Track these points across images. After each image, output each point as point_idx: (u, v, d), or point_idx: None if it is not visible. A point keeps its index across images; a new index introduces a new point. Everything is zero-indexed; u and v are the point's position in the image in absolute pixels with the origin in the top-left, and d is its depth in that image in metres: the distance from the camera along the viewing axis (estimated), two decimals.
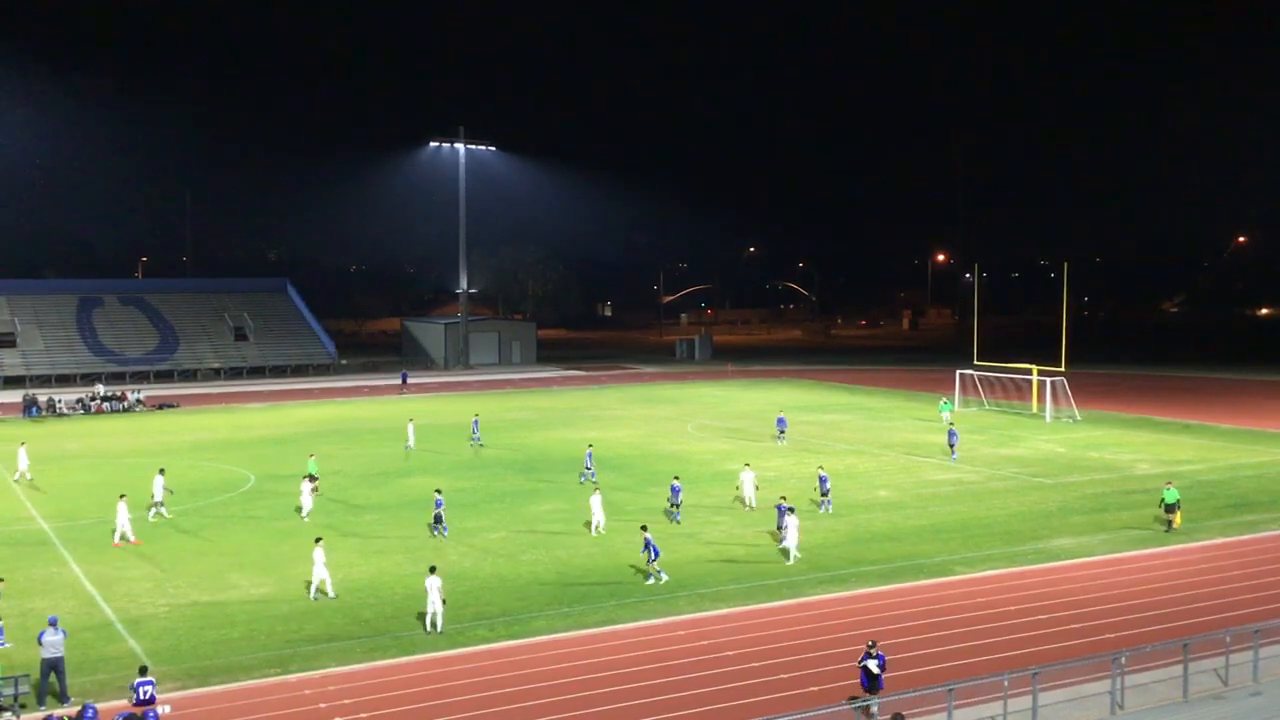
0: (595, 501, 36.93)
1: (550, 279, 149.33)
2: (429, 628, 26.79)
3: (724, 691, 22.94)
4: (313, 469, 43.70)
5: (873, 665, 21.18)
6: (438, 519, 36.57)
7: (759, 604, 28.84)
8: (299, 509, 39.44)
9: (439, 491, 37.81)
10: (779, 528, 34.43)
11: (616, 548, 34.58)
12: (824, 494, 39.44)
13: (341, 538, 36.28)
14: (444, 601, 26.86)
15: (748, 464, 42.84)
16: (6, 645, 25.51)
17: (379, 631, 26.91)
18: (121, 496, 36.68)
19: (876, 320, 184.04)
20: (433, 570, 27.28)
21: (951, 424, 54.44)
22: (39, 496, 43.73)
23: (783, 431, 55.48)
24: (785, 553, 33.11)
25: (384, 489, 44.27)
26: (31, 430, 64.33)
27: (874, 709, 20.80)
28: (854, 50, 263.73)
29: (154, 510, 39.26)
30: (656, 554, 30.63)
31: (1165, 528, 36.53)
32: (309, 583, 29.91)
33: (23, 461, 47.48)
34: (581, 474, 45.79)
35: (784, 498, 35.81)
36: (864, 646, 22.06)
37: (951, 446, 50.18)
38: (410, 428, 55.31)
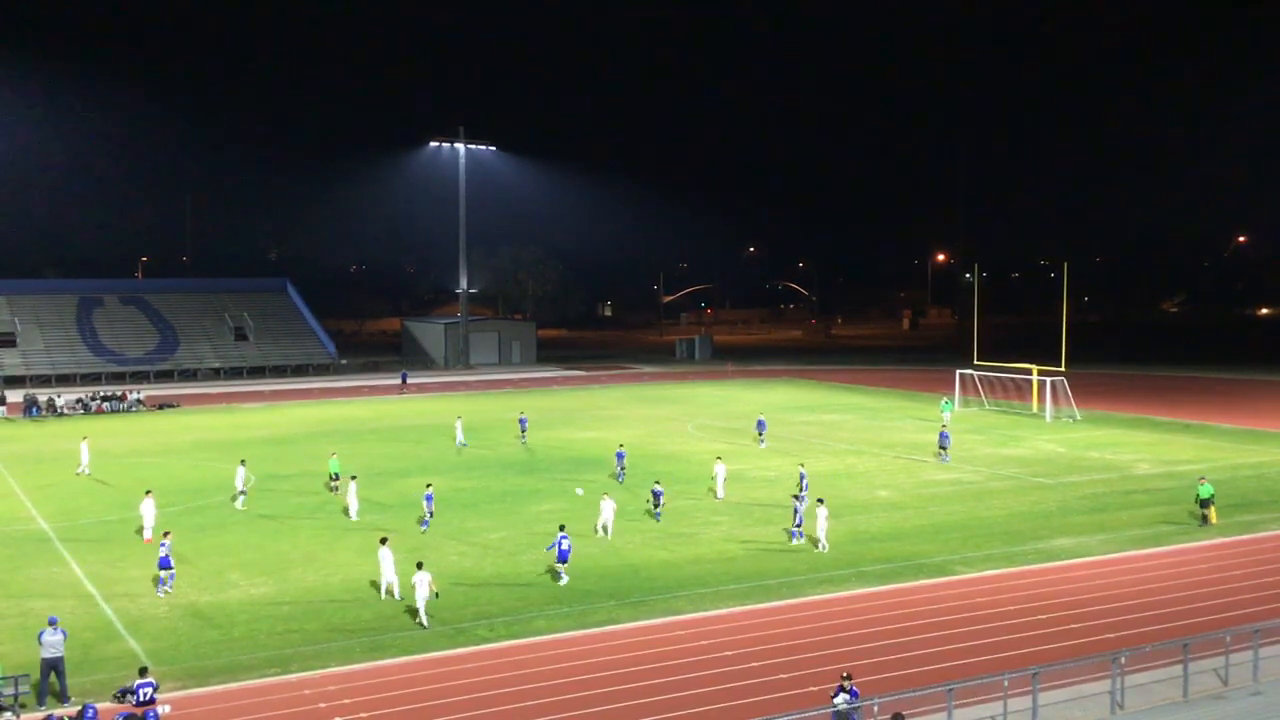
0: (606, 504, 36.86)
1: (550, 279, 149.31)
2: (424, 624, 27.08)
3: (724, 691, 22.94)
4: (335, 468, 44.00)
5: (841, 701, 19.75)
6: (429, 511, 37.46)
7: (758, 604, 28.84)
8: (345, 510, 39.31)
9: (430, 486, 38.68)
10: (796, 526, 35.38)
11: (617, 547, 34.62)
12: (802, 490, 39.83)
13: (342, 537, 36.32)
14: (436, 595, 27.25)
15: (719, 457, 44.13)
16: None
17: (379, 631, 26.91)
18: (147, 493, 36.98)
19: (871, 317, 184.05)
20: (420, 566, 27.67)
21: (944, 425, 54.21)
22: (42, 496, 43.73)
23: (762, 434, 55.31)
24: (815, 542, 34.06)
25: (384, 489, 44.24)
26: (32, 430, 64.40)
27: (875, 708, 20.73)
28: (854, 50, 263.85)
29: (239, 498, 41.19)
30: (563, 555, 30.84)
31: (1200, 523, 36.88)
32: (375, 583, 29.90)
33: (84, 457, 48.70)
34: (617, 474, 45.55)
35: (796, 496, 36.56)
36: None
37: (943, 448, 50.18)
38: (459, 425, 55.99)
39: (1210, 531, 36.35)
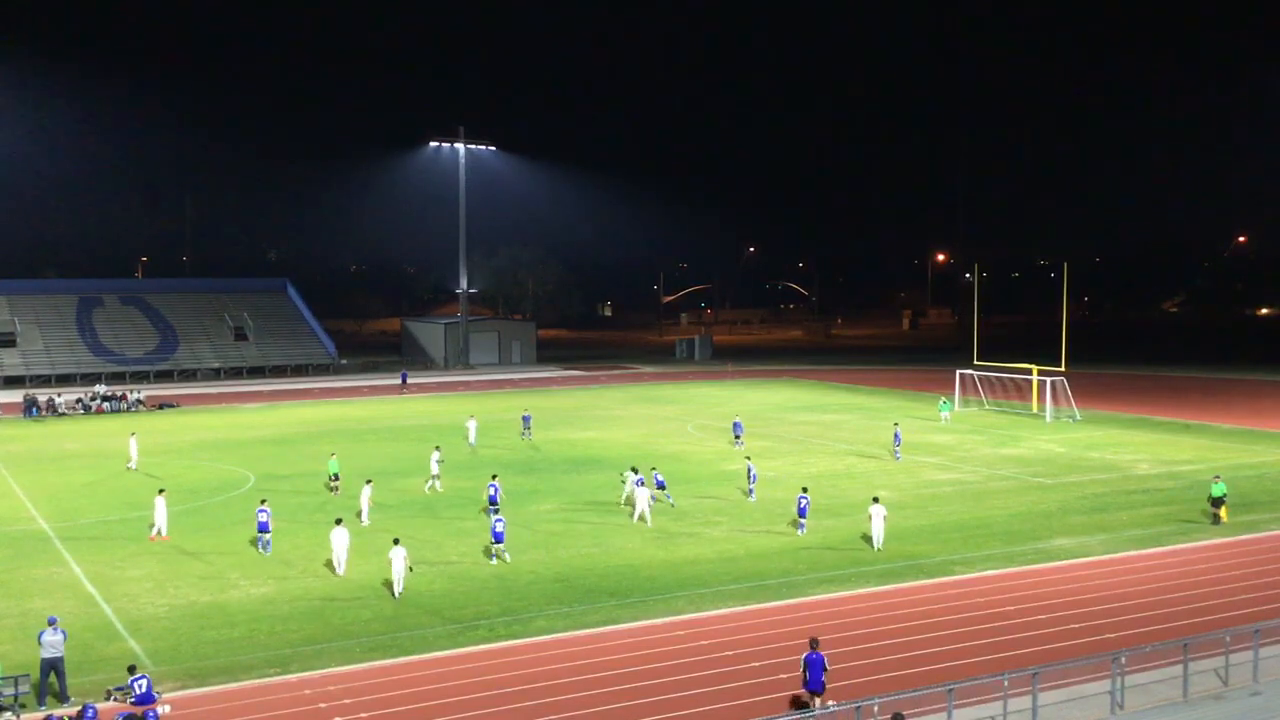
0: (642, 494, 37.63)
1: (550, 279, 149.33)
2: (396, 595, 29.13)
3: (724, 691, 22.94)
4: (335, 468, 44.01)
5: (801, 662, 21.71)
6: (492, 502, 38.15)
7: (759, 604, 28.84)
8: (359, 514, 38.78)
9: (495, 478, 39.73)
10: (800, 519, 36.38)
11: (616, 547, 34.64)
12: (750, 483, 41.14)
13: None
14: (410, 569, 29.68)
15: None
16: None
17: (379, 631, 26.91)
18: (160, 491, 37.17)
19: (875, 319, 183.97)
20: (396, 542, 29.85)
21: (896, 424, 53.65)
22: (42, 496, 43.72)
23: (739, 436, 54.93)
24: (868, 540, 34.41)
25: (383, 489, 44.14)
26: (32, 430, 64.37)
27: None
28: (854, 50, 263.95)
29: (430, 483, 43.58)
30: (498, 536, 32.84)
31: (1211, 521, 36.92)
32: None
33: (134, 453, 49.39)
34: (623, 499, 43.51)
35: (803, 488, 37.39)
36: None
37: (895, 446, 50.35)
38: (472, 425, 55.95)
39: (1213, 531, 36.36)
